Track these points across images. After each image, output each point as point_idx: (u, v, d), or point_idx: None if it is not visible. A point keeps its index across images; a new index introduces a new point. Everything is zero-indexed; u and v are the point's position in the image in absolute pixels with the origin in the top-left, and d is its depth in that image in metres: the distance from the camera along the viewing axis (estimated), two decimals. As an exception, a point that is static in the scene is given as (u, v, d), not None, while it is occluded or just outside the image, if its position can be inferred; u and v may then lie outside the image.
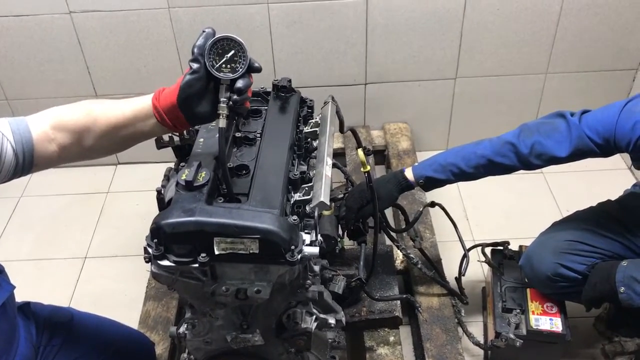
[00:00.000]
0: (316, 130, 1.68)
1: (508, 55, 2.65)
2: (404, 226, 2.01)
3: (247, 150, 1.59)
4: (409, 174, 1.89)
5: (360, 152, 1.59)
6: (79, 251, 2.59)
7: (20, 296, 1.43)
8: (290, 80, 1.75)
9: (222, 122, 1.27)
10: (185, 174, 1.35)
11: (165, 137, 1.55)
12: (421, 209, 2.08)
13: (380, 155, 2.80)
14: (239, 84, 1.26)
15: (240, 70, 1.23)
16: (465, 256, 2.01)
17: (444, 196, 2.24)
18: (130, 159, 2.94)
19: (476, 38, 2.59)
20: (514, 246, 2.16)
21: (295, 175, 1.49)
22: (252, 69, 1.29)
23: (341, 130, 1.77)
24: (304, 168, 1.61)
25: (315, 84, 2.71)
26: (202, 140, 1.52)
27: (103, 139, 1.29)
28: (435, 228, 2.35)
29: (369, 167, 1.61)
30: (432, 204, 2.08)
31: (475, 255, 2.08)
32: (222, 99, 1.25)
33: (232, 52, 1.24)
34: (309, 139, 1.71)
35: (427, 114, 2.84)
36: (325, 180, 1.47)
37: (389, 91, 2.76)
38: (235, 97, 1.28)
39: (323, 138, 1.62)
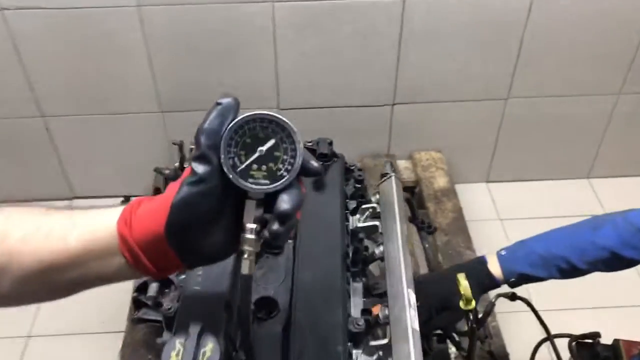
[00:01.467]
0: (376, 225, 1.10)
1: (575, 72, 2.09)
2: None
3: (271, 265, 1.01)
4: (494, 267, 1.32)
5: (463, 280, 1.01)
6: (19, 328, 1.98)
7: None
8: (331, 143, 1.16)
9: (245, 267, 0.70)
10: (178, 356, 0.77)
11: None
12: (493, 300, 1.51)
13: (409, 192, 2.22)
14: (284, 202, 0.68)
15: (286, 176, 0.68)
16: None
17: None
18: (89, 192, 2.31)
19: (538, 50, 2.02)
20: (606, 339, 1.63)
21: (358, 325, 0.92)
22: (307, 172, 0.70)
23: (413, 219, 1.19)
24: (361, 303, 1.03)
25: (330, 104, 2.12)
26: (200, 272, 0.92)
27: (27, 285, 0.71)
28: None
29: (474, 304, 1.03)
30: (513, 297, 1.51)
31: (545, 353, 1.55)
32: (248, 227, 0.69)
33: (271, 142, 0.68)
34: (362, 238, 1.11)
35: (467, 142, 2.27)
36: (414, 339, 0.90)
37: (421, 113, 2.18)
38: (275, 226, 0.69)
39: (392, 242, 1.04)
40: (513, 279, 1.30)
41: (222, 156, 0.66)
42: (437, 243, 1.92)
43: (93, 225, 0.70)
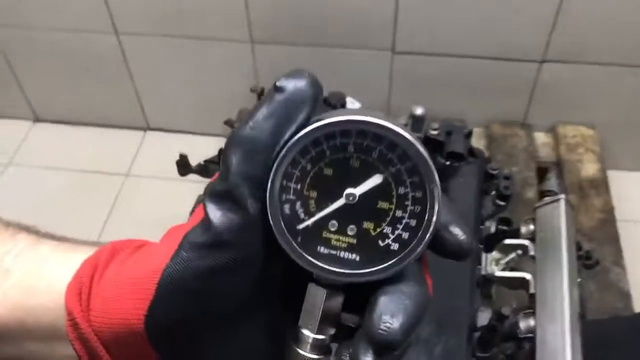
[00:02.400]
0: (526, 280, 0.69)
1: None
2: None
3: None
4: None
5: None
6: None
7: None
8: (470, 134, 0.75)
9: None
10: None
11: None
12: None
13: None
14: (389, 314, 0.33)
15: (399, 254, 0.35)
16: None
17: None
18: (163, 124, 2.01)
19: None
20: None
21: None
22: (442, 249, 0.36)
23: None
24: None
25: (458, 52, 1.66)
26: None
27: None
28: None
29: None
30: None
31: None
32: (305, 336, 0.37)
33: (376, 179, 0.35)
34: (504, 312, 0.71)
35: (632, 119, 1.75)
36: None
37: (577, 76, 1.68)
38: (366, 357, 0.33)
39: (553, 321, 0.63)
40: None
41: (270, 200, 0.35)
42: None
43: (29, 284, 0.41)
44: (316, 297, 0.36)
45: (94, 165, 1.95)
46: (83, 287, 0.38)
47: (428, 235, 0.34)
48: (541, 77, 1.69)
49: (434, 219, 0.34)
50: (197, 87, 1.88)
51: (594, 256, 1.41)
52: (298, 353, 0.37)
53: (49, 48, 1.86)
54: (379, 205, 0.35)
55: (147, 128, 2.04)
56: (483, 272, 0.72)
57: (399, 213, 0.35)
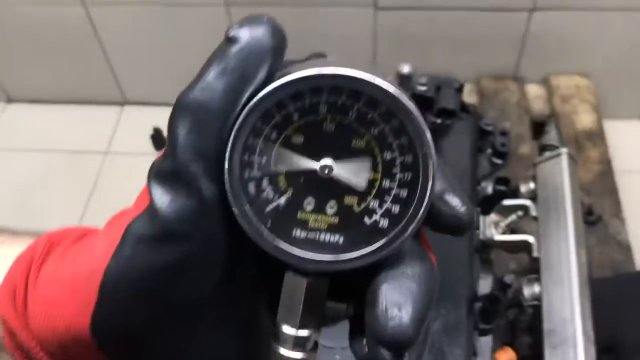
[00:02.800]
0: (528, 243, 0.64)
1: None
2: None
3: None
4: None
5: None
6: None
7: None
8: (461, 88, 0.68)
9: None
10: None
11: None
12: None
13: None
14: (395, 301, 0.27)
15: (392, 230, 0.28)
16: None
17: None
18: (142, 97, 1.93)
19: None
20: None
21: None
22: (440, 223, 0.30)
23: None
24: None
25: (445, 5, 1.59)
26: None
27: None
28: None
29: None
30: None
31: None
32: (286, 334, 0.30)
33: (358, 143, 0.28)
34: (507, 282, 0.65)
35: (627, 66, 1.69)
36: None
37: (570, 24, 1.61)
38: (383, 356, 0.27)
39: (561, 284, 0.58)
40: None
41: (229, 178, 0.29)
42: (576, 208, 1.43)
43: None
44: (295, 289, 0.30)
45: (71, 144, 1.87)
46: (17, 288, 0.32)
47: (423, 208, 0.29)
48: (532, 27, 1.62)
49: (429, 187, 0.28)
50: (173, 56, 1.79)
51: (596, 212, 1.37)
52: (279, 353, 0.31)
53: (16, 24, 1.76)
54: (363, 176, 0.29)
55: (124, 102, 1.96)
56: (481, 237, 0.66)
57: (386, 183, 0.29)
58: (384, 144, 0.28)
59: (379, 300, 0.28)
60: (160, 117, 1.64)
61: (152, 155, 1.60)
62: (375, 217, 0.29)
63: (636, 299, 0.83)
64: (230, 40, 0.28)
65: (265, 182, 0.29)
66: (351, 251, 0.29)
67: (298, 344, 0.31)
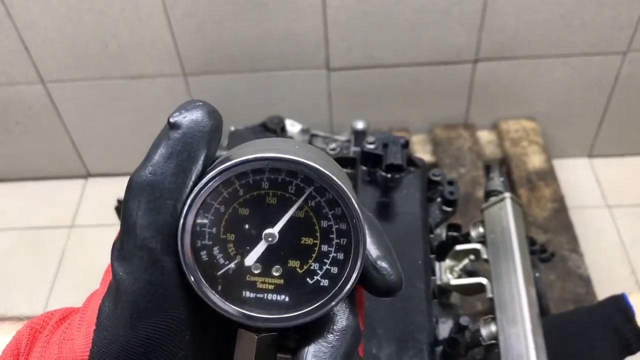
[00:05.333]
0: (482, 285, 0.67)
1: None
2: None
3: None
4: (644, 320, 0.89)
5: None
6: (35, 307, 1.64)
7: None
8: (406, 144, 0.73)
9: None
10: None
11: None
12: None
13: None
14: (317, 351, 0.32)
15: (330, 292, 0.32)
16: None
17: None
18: (105, 169, 1.95)
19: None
20: None
21: None
22: (372, 285, 0.34)
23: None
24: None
25: (394, 62, 1.66)
26: None
27: None
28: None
29: None
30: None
31: None
32: None
33: (294, 211, 0.32)
34: (464, 320, 0.69)
35: (569, 107, 1.78)
36: None
37: (512, 72, 1.70)
38: None
39: (514, 323, 0.62)
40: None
41: (182, 248, 0.32)
42: (535, 245, 1.49)
43: None
44: (248, 345, 0.33)
45: (36, 221, 1.87)
46: None
47: (357, 270, 0.32)
48: (477, 77, 1.71)
49: (360, 251, 0.31)
50: (134, 127, 1.83)
51: (549, 249, 1.42)
52: None
53: (-26, 105, 1.78)
54: (303, 241, 0.32)
55: (87, 175, 1.97)
56: (438, 282, 0.69)
57: (324, 247, 0.32)
58: (320, 214, 0.32)
59: (307, 350, 0.31)
60: (123, 187, 1.66)
61: (117, 226, 1.61)
62: (317, 277, 0.32)
63: (586, 331, 0.87)
64: (172, 126, 0.31)
65: (216, 250, 0.32)
66: (296, 310, 0.32)
67: None
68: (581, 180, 1.82)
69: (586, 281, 1.44)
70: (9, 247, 1.80)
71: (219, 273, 0.32)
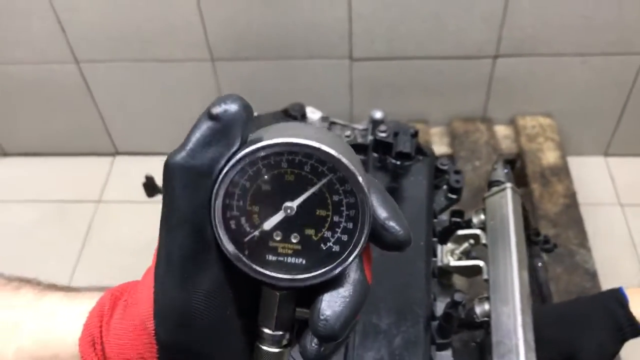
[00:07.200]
0: (479, 267, 0.73)
1: None
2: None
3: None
4: (637, 309, 0.93)
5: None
6: (60, 280, 1.73)
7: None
8: (416, 134, 0.78)
9: None
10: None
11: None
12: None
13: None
14: (329, 309, 0.37)
15: (341, 256, 0.37)
16: None
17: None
18: (132, 147, 2.03)
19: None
20: None
21: None
22: (382, 244, 0.39)
23: (525, 229, 0.83)
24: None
25: (416, 55, 1.70)
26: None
27: None
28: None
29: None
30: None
31: None
32: (265, 333, 0.39)
33: (310, 191, 0.37)
34: (458, 293, 0.74)
35: (586, 106, 1.81)
36: None
37: (531, 69, 1.73)
38: (311, 346, 0.38)
39: (506, 301, 0.67)
40: (669, 330, 0.92)
41: (218, 219, 0.37)
42: (544, 239, 1.53)
43: (42, 336, 0.44)
44: (270, 300, 0.39)
45: (64, 195, 1.95)
46: (95, 338, 0.40)
47: (364, 237, 0.37)
48: (496, 72, 1.74)
49: (367, 222, 0.37)
50: (162, 108, 1.90)
51: (558, 243, 1.46)
52: (260, 348, 0.39)
53: (11, 82, 1.86)
54: (317, 213, 0.37)
55: (115, 153, 2.05)
56: (439, 264, 0.75)
57: (336, 218, 0.37)
58: (332, 190, 0.37)
59: (317, 308, 0.37)
60: (151, 166, 1.73)
61: (141, 203, 1.68)
62: (329, 244, 0.38)
63: (592, 317, 0.91)
64: (213, 117, 0.37)
65: (243, 220, 0.38)
66: (311, 271, 0.38)
67: (275, 341, 0.39)
68: (596, 177, 1.85)
69: (592, 275, 1.47)
70: (38, 218, 1.89)
71: (246, 240, 0.37)
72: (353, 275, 0.38)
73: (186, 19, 1.66)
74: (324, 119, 1.37)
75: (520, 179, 1.74)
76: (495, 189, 0.78)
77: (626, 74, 1.71)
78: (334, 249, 0.37)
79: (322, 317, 0.36)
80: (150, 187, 1.10)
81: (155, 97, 1.88)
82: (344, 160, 0.36)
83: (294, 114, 1.32)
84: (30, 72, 1.83)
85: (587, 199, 1.72)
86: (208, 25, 1.67)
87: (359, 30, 1.67)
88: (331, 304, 0.37)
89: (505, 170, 0.80)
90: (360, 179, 0.36)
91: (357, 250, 0.37)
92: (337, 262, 0.37)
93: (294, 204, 0.37)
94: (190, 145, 0.36)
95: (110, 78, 1.84)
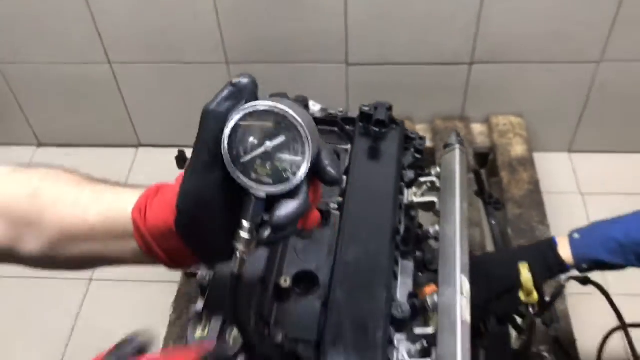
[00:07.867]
0: (434, 202, 0.99)
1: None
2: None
3: (314, 237, 0.93)
4: (565, 251, 1.19)
5: (524, 271, 0.91)
6: (83, 273, 1.99)
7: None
8: (390, 108, 1.05)
9: (235, 265, 0.62)
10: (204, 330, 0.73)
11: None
12: (563, 282, 1.37)
13: (482, 159, 2.08)
14: (281, 210, 0.60)
15: (291, 181, 0.59)
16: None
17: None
18: (154, 140, 2.30)
19: (641, 7, 1.79)
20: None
21: (402, 311, 0.84)
22: (321, 178, 0.63)
23: (481, 193, 1.08)
24: (410, 284, 0.94)
25: (402, 61, 1.98)
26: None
27: (51, 249, 0.69)
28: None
29: (536, 296, 0.92)
30: (585, 281, 1.36)
31: (617, 343, 1.40)
32: (243, 224, 0.61)
33: (280, 139, 0.59)
34: (414, 215, 1.01)
35: (551, 107, 2.08)
36: (462, 332, 0.81)
37: (502, 74, 2.01)
38: (266, 233, 0.62)
39: (449, 221, 0.93)
40: (585, 266, 1.18)
41: (225, 145, 0.58)
42: (509, 216, 1.79)
43: (112, 205, 0.67)
44: (249, 202, 0.59)
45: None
46: (142, 208, 0.65)
47: (303, 174, 0.58)
48: (472, 77, 2.02)
49: (307, 166, 0.57)
50: (181, 105, 2.16)
51: (521, 222, 1.73)
52: (238, 233, 0.60)
53: (49, 80, 2.13)
54: (283, 152, 0.58)
55: (139, 145, 2.32)
56: (405, 201, 1.01)
57: (294, 159, 0.58)
58: (294, 138, 0.57)
59: (277, 205, 0.58)
60: (172, 156, 2.02)
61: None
62: (288, 172, 0.58)
63: (527, 257, 1.16)
64: (233, 85, 0.60)
65: (240, 149, 0.59)
66: (277, 186, 0.58)
67: (249, 230, 0.59)
68: (559, 170, 2.11)
69: (549, 248, 1.73)
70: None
71: (240, 161, 0.59)
72: (300, 195, 0.59)
73: (206, 27, 1.93)
74: (322, 110, 1.64)
75: (492, 170, 2.02)
76: (447, 149, 1.04)
77: (584, 79, 1.99)
78: (289, 175, 0.58)
79: (277, 213, 0.58)
80: (181, 159, 1.36)
81: (175, 95, 2.15)
82: (299, 120, 0.57)
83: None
84: (68, 72, 2.10)
85: (550, 188, 1.98)
86: (224, 33, 1.95)
87: (354, 38, 1.94)
88: (283, 207, 0.59)
89: (459, 138, 1.06)
90: (305, 134, 0.57)
91: (302, 177, 0.58)
92: (290, 183, 0.58)
93: (272, 144, 0.58)
94: (217, 99, 0.59)
95: (137, 78, 2.11)
